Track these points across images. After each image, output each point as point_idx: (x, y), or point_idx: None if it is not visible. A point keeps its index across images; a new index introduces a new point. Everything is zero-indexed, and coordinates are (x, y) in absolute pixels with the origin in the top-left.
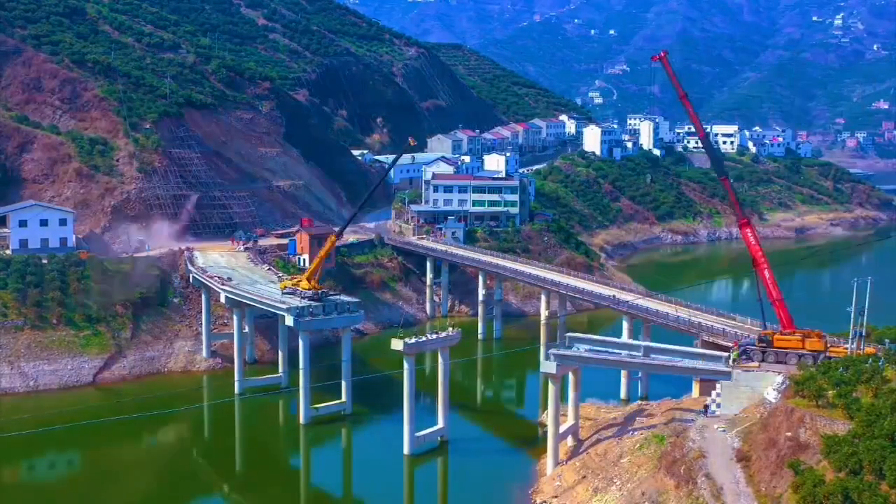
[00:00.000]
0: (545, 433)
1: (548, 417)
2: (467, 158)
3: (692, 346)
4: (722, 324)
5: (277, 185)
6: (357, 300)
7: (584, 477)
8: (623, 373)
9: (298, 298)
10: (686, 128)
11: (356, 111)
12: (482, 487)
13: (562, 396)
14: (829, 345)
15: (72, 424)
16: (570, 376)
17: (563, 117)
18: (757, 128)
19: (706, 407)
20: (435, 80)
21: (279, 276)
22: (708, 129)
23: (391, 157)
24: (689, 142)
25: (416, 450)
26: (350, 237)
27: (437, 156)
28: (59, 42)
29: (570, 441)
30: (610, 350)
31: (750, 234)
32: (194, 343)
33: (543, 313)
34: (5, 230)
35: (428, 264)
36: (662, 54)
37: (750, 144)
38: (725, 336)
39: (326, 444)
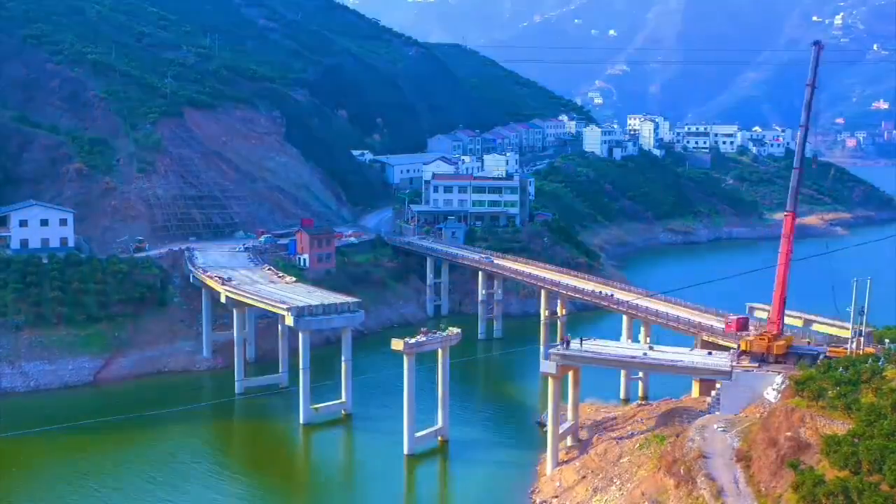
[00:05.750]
0: (545, 433)
1: (548, 417)
2: (468, 159)
3: (692, 346)
4: (721, 323)
5: (277, 185)
6: (357, 300)
7: (583, 477)
8: (623, 372)
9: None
10: (686, 128)
11: (356, 111)
12: (482, 487)
13: (562, 396)
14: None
15: (72, 424)
16: (570, 376)
17: (564, 117)
18: (757, 128)
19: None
20: (435, 80)
21: (279, 276)
22: (707, 129)
23: (391, 157)
24: (688, 141)
25: (416, 450)
26: (350, 237)
27: (437, 155)
28: (59, 42)
29: (569, 441)
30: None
31: (787, 225)
32: (194, 343)
33: (543, 313)
34: (6, 230)
35: (428, 264)
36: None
37: (750, 144)
38: (726, 336)
39: (326, 444)
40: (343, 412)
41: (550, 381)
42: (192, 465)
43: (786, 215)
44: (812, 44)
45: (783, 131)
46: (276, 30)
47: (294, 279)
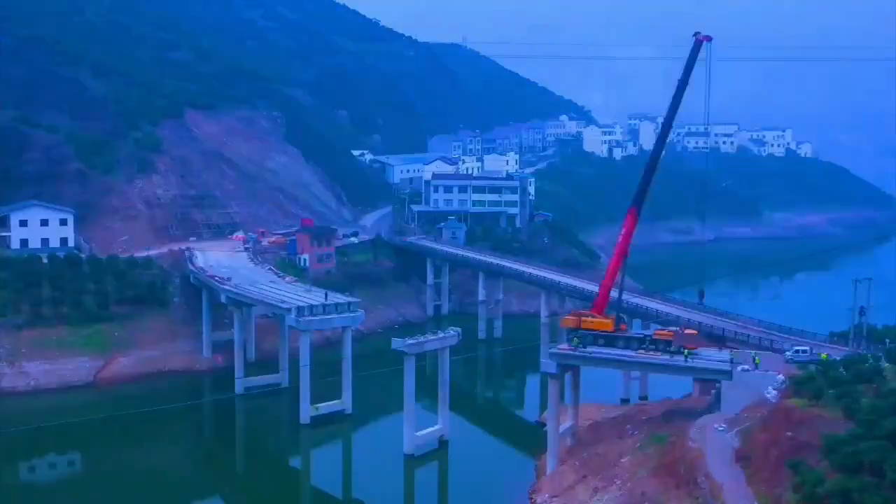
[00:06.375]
0: (545, 433)
1: (548, 417)
2: (468, 160)
3: None
4: (722, 323)
5: (277, 185)
6: (357, 300)
7: (584, 477)
8: (623, 373)
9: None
10: (686, 128)
11: (356, 111)
12: (482, 487)
13: (562, 396)
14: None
15: (71, 420)
16: (570, 376)
17: (564, 117)
18: (757, 129)
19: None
20: (435, 80)
21: (279, 276)
22: (707, 129)
23: (391, 157)
24: (689, 142)
25: (416, 450)
26: (350, 237)
27: (437, 155)
28: (59, 42)
29: (569, 441)
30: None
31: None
32: (194, 343)
33: (543, 313)
34: (6, 230)
35: (428, 264)
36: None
37: (750, 144)
38: (724, 335)
39: (326, 444)
40: (343, 412)
41: (550, 380)
42: (192, 464)
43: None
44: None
45: (784, 131)
46: (276, 30)
47: (294, 279)
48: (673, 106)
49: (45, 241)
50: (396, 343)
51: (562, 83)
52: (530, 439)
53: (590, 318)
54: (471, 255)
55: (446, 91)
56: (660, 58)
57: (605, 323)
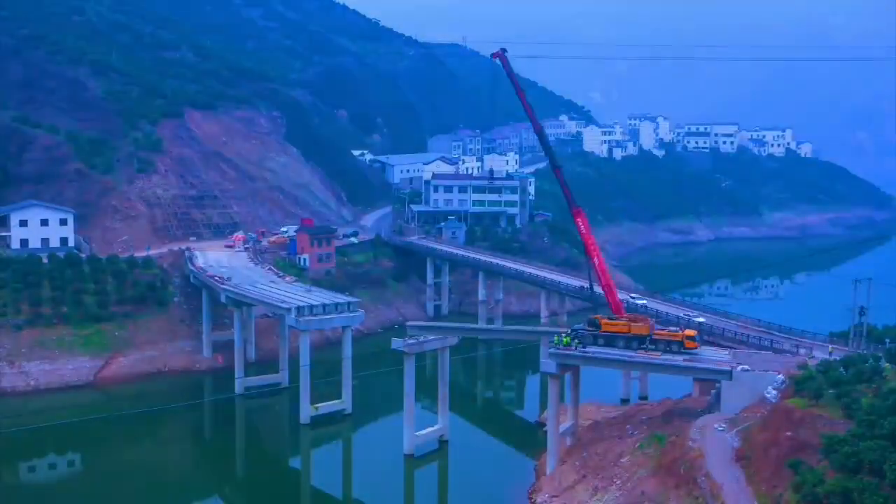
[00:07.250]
0: (545, 433)
1: (548, 417)
2: (469, 159)
3: None
4: (722, 323)
5: (277, 185)
6: (357, 300)
7: (584, 476)
8: (622, 372)
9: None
10: (686, 127)
11: (356, 111)
12: (482, 487)
13: (562, 396)
14: (654, 328)
15: (71, 420)
16: (570, 376)
17: (563, 117)
18: (757, 129)
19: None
20: (435, 80)
21: (279, 275)
22: (707, 129)
23: (391, 157)
24: (689, 142)
25: (415, 450)
26: (350, 237)
27: (437, 155)
28: (59, 42)
29: (569, 441)
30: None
31: (581, 224)
32: (194, 343)
33: (543, 313)
34: (6, 230)
35: (428, 264)
36: (499, 52)
37: (750, 144)
38: (724, 335)
39: (326, 444)
40: (343, 412)
41: (550, 380)
42: (192, 464)
43: (573, 215)
44: (493, 55)
45: (784, 131)
46: (276, 30)
47: (294, 278)
48: None
49: (45, 241)
50: (396, 343)
51: (562, 83)
52: (530, 439)
53: (630, 323)
54: (471, 254)
55: (446, 91)
56: (660, 58)
57: (641, 328)
